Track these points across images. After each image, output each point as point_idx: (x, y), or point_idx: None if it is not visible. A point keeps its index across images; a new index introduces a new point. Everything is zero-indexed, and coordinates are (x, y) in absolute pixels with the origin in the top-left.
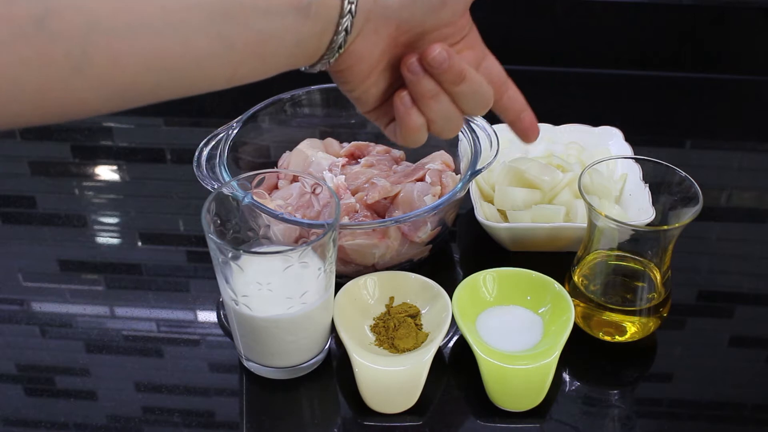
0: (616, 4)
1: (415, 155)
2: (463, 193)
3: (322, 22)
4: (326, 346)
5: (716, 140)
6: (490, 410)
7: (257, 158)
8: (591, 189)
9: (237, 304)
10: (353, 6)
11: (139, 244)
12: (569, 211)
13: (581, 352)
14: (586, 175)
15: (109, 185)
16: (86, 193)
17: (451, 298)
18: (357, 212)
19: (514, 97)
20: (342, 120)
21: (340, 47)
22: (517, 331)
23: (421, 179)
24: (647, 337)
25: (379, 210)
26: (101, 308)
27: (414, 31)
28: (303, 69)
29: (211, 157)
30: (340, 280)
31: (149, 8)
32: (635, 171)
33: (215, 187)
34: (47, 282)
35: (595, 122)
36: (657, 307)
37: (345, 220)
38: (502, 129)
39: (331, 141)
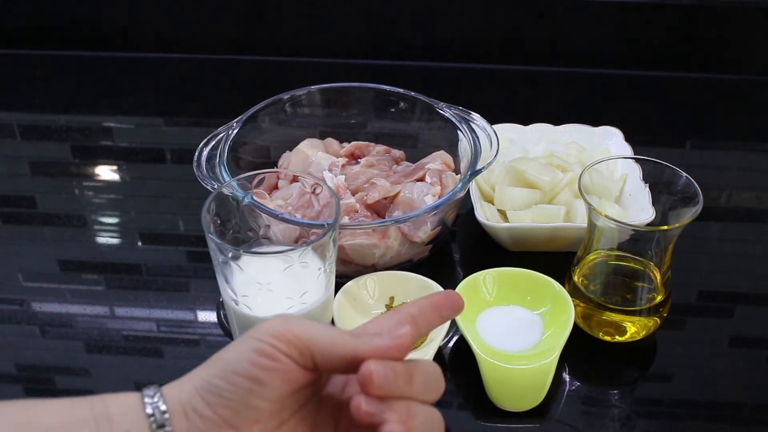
0: (616, 4)
1: (415, 155)
2: (463, 193)
3: None
4: None
5: (716, 140)
6: (490, 410)
7: (257, 158)
8: (591, 189)
9: (237, 304)
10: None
11: (139, 244)
12: (569, 211)
13: (581, 352)
14: (586, 175)
15: (109, 185)
16: (86, 193)
17: None
18: (357, 212)
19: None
20: (342, 120)
21: None
22: (517, 331)
23: (421, 179)
24: (647, 337)
25: (379, 210)
26: (101, 308)
27: (263, 419)
28: None
29: (211, 157)
30: (340, 280)
31: None
32: (635, 171)
33: (215, 187)
34: (47, 282)
35: (595, 122)
36: (657, 307)
37: (345, 220)
38: (502, 129)
39: (331, 141)
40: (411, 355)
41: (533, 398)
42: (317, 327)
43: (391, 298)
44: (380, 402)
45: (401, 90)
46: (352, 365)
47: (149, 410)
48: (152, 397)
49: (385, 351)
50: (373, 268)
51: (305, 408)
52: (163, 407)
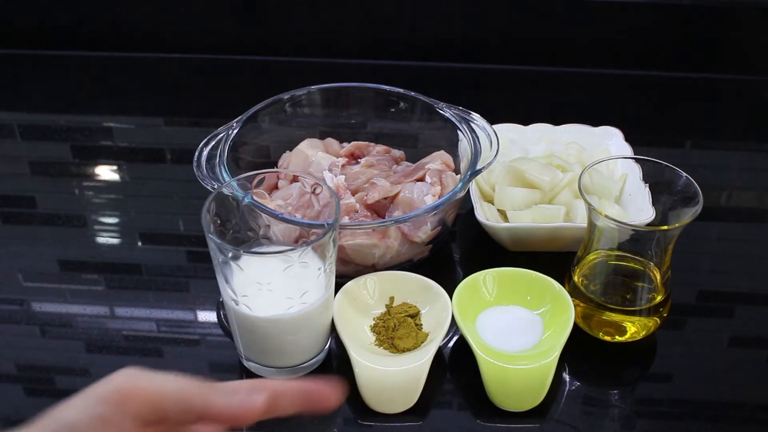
0: (616, 4)
1: (415, 155)
2: (463, 193)
3: None
4: (326, 346)
5: (716, 140)
6: (490, 410)
7: (257, 158)
8: (591, 189)
9: (237, 304)
10: None
11: (139, 244)
12: (569, 211)
13: (581, 352)
14: (586, 175)
15: (109, 185)
16: (86, 193)
17: (451, 298)
18: (357, 212)
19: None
20: (342, 120)
21: None
22: (517, 331)
23: (421, 179)
24: (647, 337)
25: (379, 210)
26: (101, 308)
27: None
28: None
29: (211, 157)
30: (340, 280)
31: None
32: (635, 171)
33: (215, 187)
34: (47, 282)
35: (595, 122)
36: (657, 307)
37: (345, 220)
38: (502, 129)
39: (331, 141)
40: (411, 356)
41: (533, 398)
42: (166, 381)
43: (391, 298)
44: None
45: (401, 90)
46: (202, 417)
47: None
48: None
49: (235, 410)
50: (373, 268)
51: None
52: None
